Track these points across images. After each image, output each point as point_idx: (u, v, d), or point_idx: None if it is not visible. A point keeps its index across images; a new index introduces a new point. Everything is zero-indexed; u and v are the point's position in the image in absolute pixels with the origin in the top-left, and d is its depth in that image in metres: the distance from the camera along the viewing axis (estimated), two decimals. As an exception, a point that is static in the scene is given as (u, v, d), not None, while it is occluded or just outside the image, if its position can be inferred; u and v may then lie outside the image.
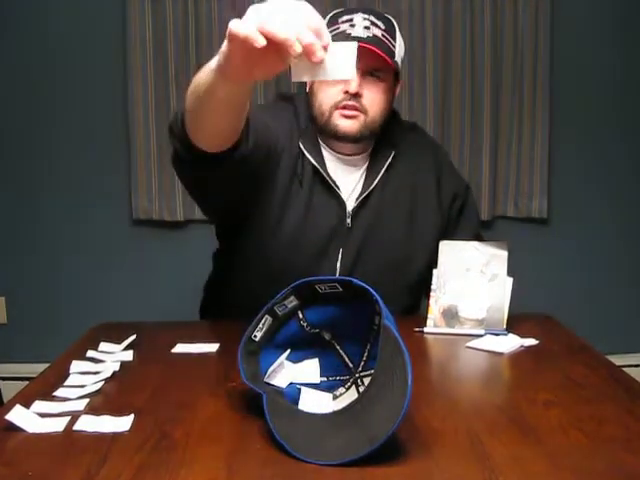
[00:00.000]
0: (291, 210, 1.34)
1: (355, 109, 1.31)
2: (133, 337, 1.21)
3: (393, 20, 1.38)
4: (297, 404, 0.89)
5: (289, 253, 1.33)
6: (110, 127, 2.58)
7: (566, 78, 2.68)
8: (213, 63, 0.90)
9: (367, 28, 1.29)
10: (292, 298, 0.92)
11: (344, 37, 1.27)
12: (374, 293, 0.84)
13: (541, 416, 0.89)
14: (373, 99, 1.32)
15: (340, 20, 1.32)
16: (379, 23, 1.32)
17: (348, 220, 1.37)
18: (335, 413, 0.83)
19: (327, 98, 1.32)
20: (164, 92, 2.51)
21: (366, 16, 1.32)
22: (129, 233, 2.62)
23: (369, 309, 0.87)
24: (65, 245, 2.62)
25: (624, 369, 1.09)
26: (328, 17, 1.36)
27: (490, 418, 0.89)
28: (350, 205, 1.38)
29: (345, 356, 0.97)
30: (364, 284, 0.86)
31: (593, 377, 1.05)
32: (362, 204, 1.38)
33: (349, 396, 0.93)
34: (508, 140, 2.66)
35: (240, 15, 0.81)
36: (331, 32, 1.30)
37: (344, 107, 1.31)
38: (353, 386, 0.95)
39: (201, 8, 2.49)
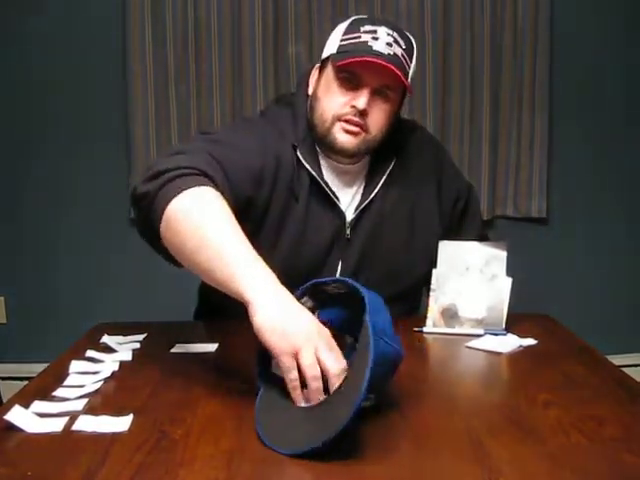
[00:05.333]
0: (288, 226, 1.30)
1: (358, 125, 1.26)
2: (144, 335, 1.23)
3: (413, 41, 1.32)
4: None
5: (287, 266, 1.25)
6: (109, 126, 2.58)
7: (565, 77, 2.68)
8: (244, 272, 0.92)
9: (389, 45, 1.24)
10: (306, 299, 0.93)
11: (366, 49, 1.23)
12: (362, 291, 0.85)
13: (541, 416, 0.89)
14: (378, 119, 1.27)
15: (362, 29, 1.26)
16: (401, 42, 1.26)
17: (347, 231, 1.34)
18: (312, 406, 0.84)
19: (331, 107, 1.27)
20: (164, 92, 2.51)
21: (390, 32, 1.26)
22: (128, 233, 2.61)
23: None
24: (64, 245, 2.62)
25: (624, 369, 1.09)
26: (350, 21, 1.30)
27: (489, 418, 0.89)
28: (349, 215, 1.34)
29: None
30: (355, 283, 0.87)
31: (593, 377, 1.05)
32: (361, 214, 1.35)
33: None
34: (507, 140, 2.66)
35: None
36: (352, 39, 1.26)
37: (347, 121, 1.26)
38: None
39: (201, 5, 2.49)
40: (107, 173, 2.58)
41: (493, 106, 2.61)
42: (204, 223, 0.99)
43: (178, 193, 1.04)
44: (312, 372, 0.84)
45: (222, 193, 1.09)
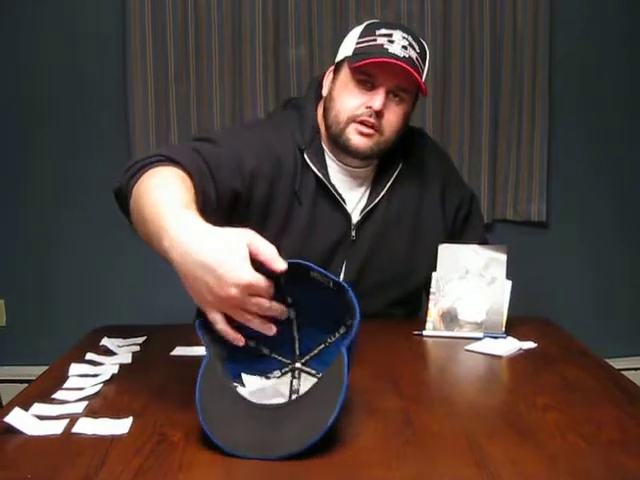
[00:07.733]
0: (292, 228, 1.31)
1: (372, 127, 1.28)
2: (144, 338, 1.24)
3: (426, 46, 1.35)
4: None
5: None
6: (109, 126, 2.58)
7: (565, 81, 2.68)
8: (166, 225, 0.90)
9: (405, 48, 1.26)
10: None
11: (382, 51, 1.25)
12: (356, 318, 0.83)
13: (539, 419, 0.89)
14: (392, 121, 1.30)
15: (378, 32, 1.28)
16: (415, 46, 1.29)
17: (353, 232, 1.36)
18: (260, 407, 0.83)
19: (346, 108, 1.29)
20: (164, 92, 2.51)
21: (405, 35, 1.28)
22: (128, 234, 2.59)
23: (343, 314, 0.85)
24: (64, 247, 2.62)
25: (622, 372, 1.09)
26: (365, 25, 1.32)
27: (488, 421, 0.89)
28: (355, 217, 1.36)
29: (297, 342, 0.94)
30: (356, 304, 0.83)
31: (591, 380, 1.05)
32: (367, 217, 1.36)
33: (281, 383, 0.93)
34: (507, 144, 2.66)
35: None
36: (368, 42, 1.28)
37: (362, 122, 1.28)
38: (289, 374, 0.94)
39: (201, 6, 2.49)
40: (106, 172, 2.57)
41: (493, 110, 2.61)
42: (149, 199, 1.00)
43: (140, 178, 1.07)
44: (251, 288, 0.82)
45: (193, 178, 1.10)
